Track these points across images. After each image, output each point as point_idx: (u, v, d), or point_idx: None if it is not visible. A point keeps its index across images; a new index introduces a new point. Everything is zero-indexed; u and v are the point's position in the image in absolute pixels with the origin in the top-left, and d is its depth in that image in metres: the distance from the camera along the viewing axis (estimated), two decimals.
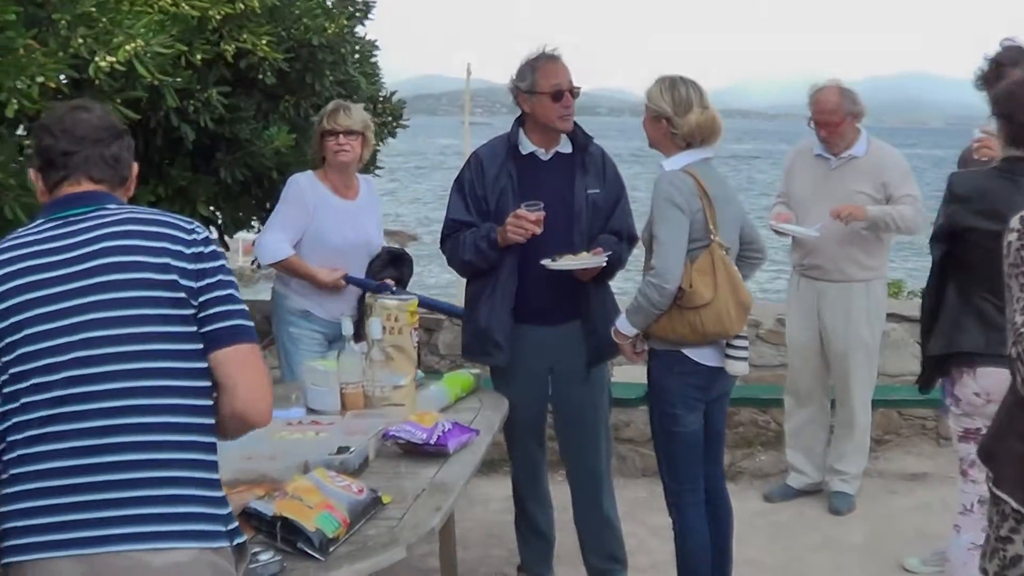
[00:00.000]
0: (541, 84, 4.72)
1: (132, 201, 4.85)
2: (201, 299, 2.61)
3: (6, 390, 2.53)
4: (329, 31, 5.86)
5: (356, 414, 4.06)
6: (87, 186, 2.71)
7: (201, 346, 2.60)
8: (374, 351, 4.16)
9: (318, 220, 5.28)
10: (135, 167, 2.84)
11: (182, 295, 2.59)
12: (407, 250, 5.77)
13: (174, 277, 2.58)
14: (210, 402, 2.64)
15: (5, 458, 2.51)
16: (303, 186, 5.29)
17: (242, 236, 8.00)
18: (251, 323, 2.69)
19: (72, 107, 2.83)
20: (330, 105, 5.35)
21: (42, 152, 2.76)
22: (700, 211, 4.28)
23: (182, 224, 2.69)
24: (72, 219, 2.66)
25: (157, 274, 2.58)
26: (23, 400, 2.50)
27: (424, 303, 5.40)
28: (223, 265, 2.70)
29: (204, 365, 2.61)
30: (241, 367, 2.63)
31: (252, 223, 6.69)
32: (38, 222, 2.71)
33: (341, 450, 3.60)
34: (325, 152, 5.28)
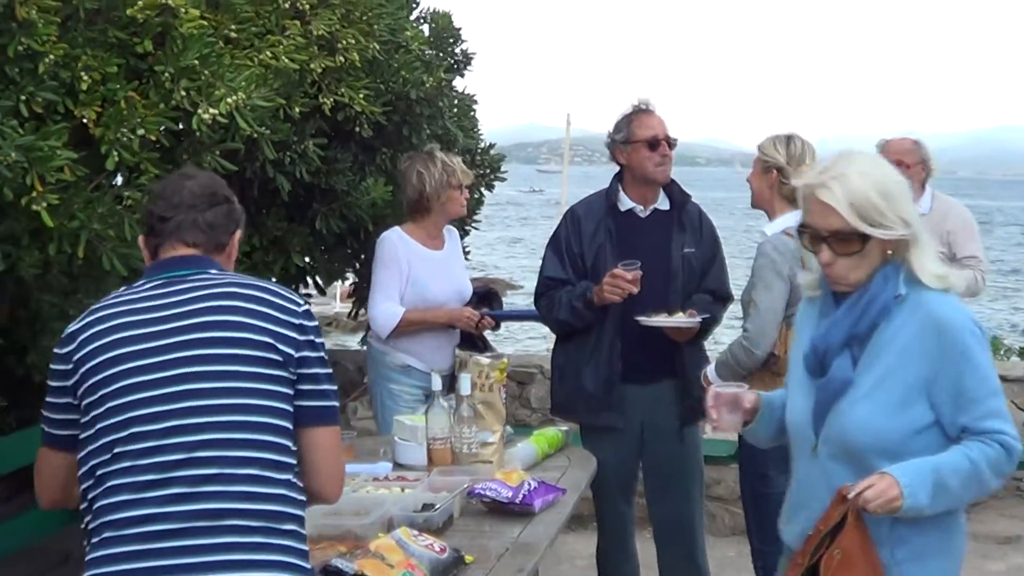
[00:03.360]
0: (637, 134, 4.75)
1: None
2: (301, 370, 2.67)
3: (96, 443, 2.55)
4: (427, 85, 5.88)
5: (443, 470, 4.03)
6: (183, 251, 2.76)
7: (291, 409, 2.66)
8: (463, 407, 4.13)
9: (415, 274, 5.30)
10: (237, 234, 2.88)
11: (280, 359, 2.63)
12: (495, 289, 5.85)
13: (273, 342, 2.63)
14: (295, 462, 2.67)
15: (96, 506, 2.53)
16: (395, 243, 5.33)
17: (338, 284, 8.06)
18: (338, 404, 2.78)
19: (179, 174, 2.92)
20: (447, 156, 5.39)
21: (145, 218, 2.85)
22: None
23: (286, 294, 2.75)
24: (175, 280, 2.72)
25: (257, 335, 2.63)
26: (117, 450, 2.52)
27: (507, 316, 5.44)
28: (322, 343, 2.77)
29: (290, 426, 2.66)
30: (324, 450, 2.73)
31: (347, 274, 6.73)
32: (140, 282, 2.77)
33: (426, 507, 3.57)
34: (449, 203, 5.33)
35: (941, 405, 2.83)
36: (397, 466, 4.24)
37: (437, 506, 3.56)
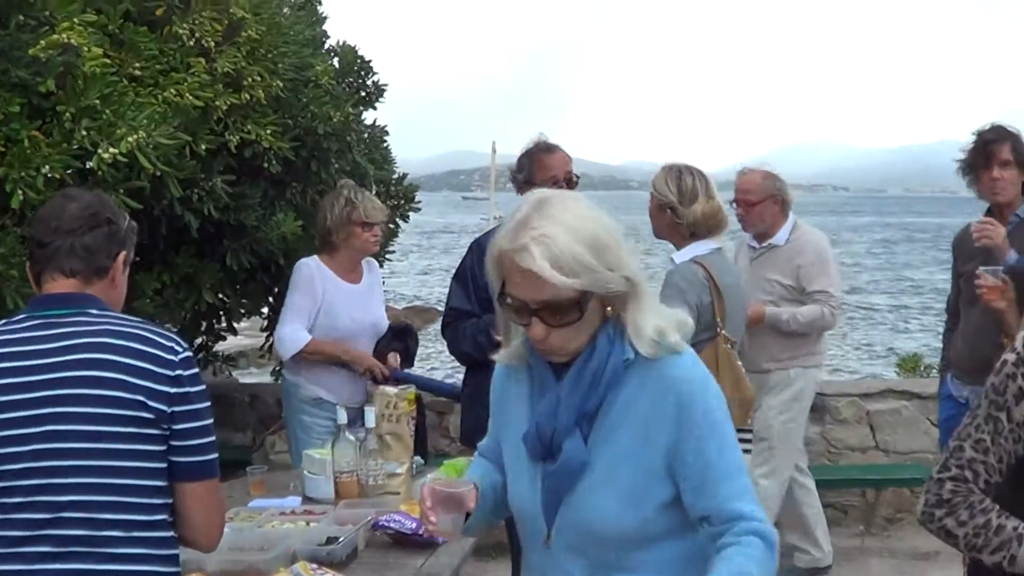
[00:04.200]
0: (537, 175, 4.78)
1: (138, 288, 4.91)
2: (174, 426, 2.64)
3: None
4: (335, 119, 5.91)
5: (349, 503, 4.06)
6: (62, 283, 2.71)
7: (163, 465, 2.64)
8: (369, 439, 4.16)
9: (328, 303, 5.33)
10: (121, 256, 2.80)
11: (152, 416, 2.60)
12: (412, 325, 5.83)
13: (145, 400, 2.59)
14: (166, 517, 2.68)
15: None
16: (312, 269, 5.35)
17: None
18: (216, 456, 2.74)
19: (62, 195, 2.85)
20: (352, 192, 5.38)
21: (27, 243, 2.84)
22: (709, 304, 4.29)
23: (163, 342, 2.68)
24: (52, 321, 2.67)
25: (130, 394, 2.59)
26: None
27: (424, 386, 5.42)
28: (201, 391, 2.72)
29: (163, 483, 2.65)
30: (201, 503, 2.71)
31: (261, 310, 6.73)
32: (20, 316, 2.73)
33: (330, 540, 3.60)
34: (352, 239, 5.34)
35: (683, 480, 2.41)
36: (307, 500, 4.27)
37: (340, 539, 3.58)
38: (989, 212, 5.05)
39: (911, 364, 11.20)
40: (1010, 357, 2.61)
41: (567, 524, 2.48)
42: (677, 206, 4.39)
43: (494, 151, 20.68)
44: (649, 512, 2.42)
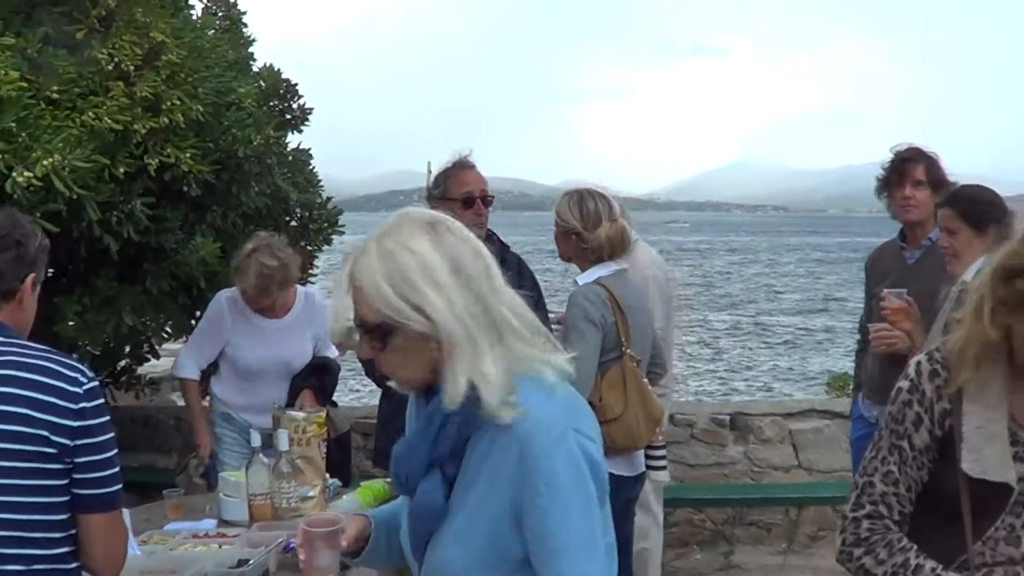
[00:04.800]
0: (452, 191, 4.82)
1: (58, 310, 4.86)
2: (77, 459, 2.62)
3: None
4: (255, 142, 5.91)
5: (262, 526, 4.06)
6: None
7: (66, 498, 2.63)
8: (282, 462, 4.17)
9: (234, 340, 5.34)
10: (30, 278, 2.76)
11: (54, 451, 2.59)
12: (334, 359, 5.73)
13: (48, 434, 2.58)
14: (68, 549, 2.68)
15: None
16: (223, 306, 5.34)
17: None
18: (120, 486, 2.74)
19: None
20: (256, 245, 5.19)
21: None
22: (613, 324, 4.34)
23: (68, 374, 2.66)
24: None
25: (32, 429, 2.57)
26: None
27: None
28: (105, 423, 2.70)
29: (65, 516, 2.65)
30: (103, 534, 2.71)
31: (181, 333, 6.71)
32: None
33: (241, 563, 3.60)
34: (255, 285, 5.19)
35: (528, 543, 2.19)
36: (222, 522, 4.27)
37: (251, 561, 3.59)
38: (902, 233, 5.12)
39: (840, 384, 11.33)
40: (904, 384, 2.61)
41: (430, 570, 2.33)
42: (581, 231, 4.42)
43: (429, 171, 20.61)
44: (505, 571, 2.22)
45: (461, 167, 4.91)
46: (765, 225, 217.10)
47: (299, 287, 5.52)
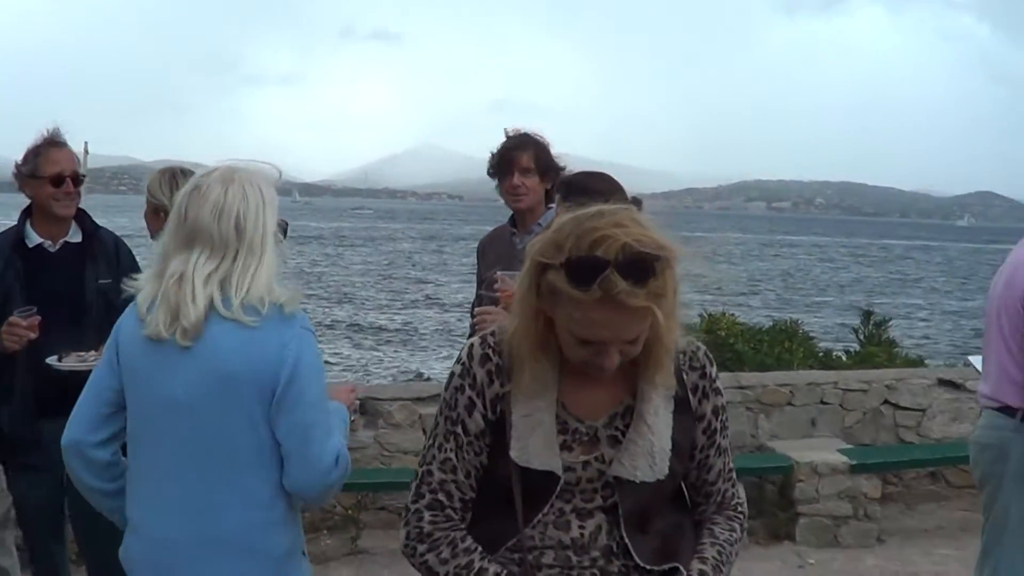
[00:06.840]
0: (42, 169, 4.66)
1: None
2: None
3: None
4: None
5: None
6: None
7: None
8: None
9: None
10: None
11: None
12: None
13: None
14: None
15: None
16: None
17: None
18: None
19: None
20: None
21: None
22: None
23: None
24: None
25: None
26: None
27: None
28: None
29: None
30: None
31: None
32: None
33: None
34: None
35: None
36: None
37: None
38: (512, 219, 5.22)
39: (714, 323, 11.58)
40: (456, 369, 2.61)
41: None
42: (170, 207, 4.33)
43: (86, 151, 19.79)
44: None
45: (51, 145, 4.75)
46: (437, 213, 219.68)
47: None
